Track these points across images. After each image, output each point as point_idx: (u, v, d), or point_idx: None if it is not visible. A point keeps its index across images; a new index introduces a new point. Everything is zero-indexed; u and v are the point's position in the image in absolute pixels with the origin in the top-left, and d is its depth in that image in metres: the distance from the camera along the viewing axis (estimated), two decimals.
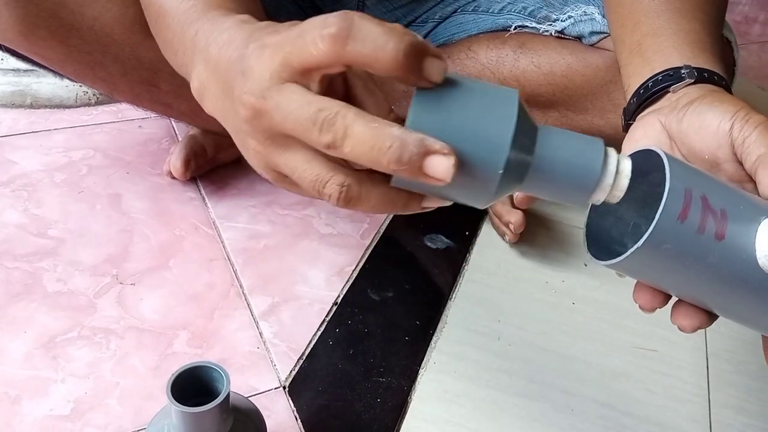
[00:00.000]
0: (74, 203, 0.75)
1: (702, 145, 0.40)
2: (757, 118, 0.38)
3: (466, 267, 0.74)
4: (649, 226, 0.33)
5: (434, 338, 0.65)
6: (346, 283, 0.70)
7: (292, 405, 0.57)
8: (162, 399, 0.50)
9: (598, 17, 0.67)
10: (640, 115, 0.45)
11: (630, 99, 0.47)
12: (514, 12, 0.76)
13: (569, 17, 0.69)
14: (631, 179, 0.33)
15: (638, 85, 0.46)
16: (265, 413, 0.49)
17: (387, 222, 0.79)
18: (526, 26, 0.73)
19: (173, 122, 0.91)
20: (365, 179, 0.32)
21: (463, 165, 0.30)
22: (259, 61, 0.32)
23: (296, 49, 0.30)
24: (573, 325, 0.68)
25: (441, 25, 0.82)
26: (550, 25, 0.70)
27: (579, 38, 0.70)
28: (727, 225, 0.34)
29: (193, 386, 0.43)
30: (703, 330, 0.68)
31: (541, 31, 0.71)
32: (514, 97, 0.31)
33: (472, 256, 0.76)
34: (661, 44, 0.46)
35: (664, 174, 0.33)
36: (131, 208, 0.76)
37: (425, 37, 0.82)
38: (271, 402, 0.57)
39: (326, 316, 0.66)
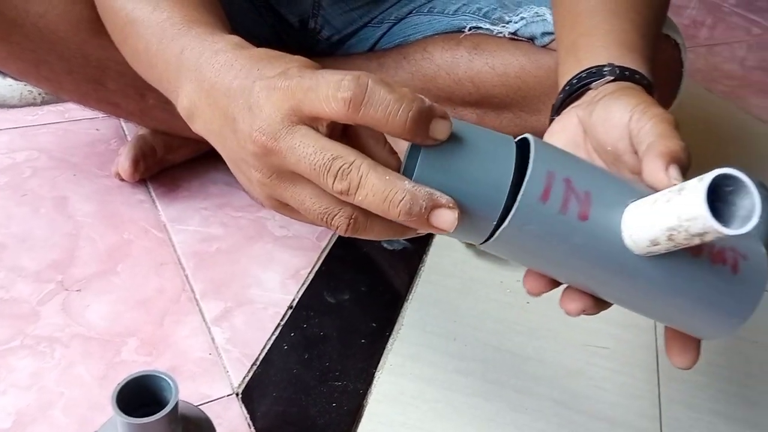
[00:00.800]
0: (17, 207, 0.73)
1: (606, 137, 0.41)
2: (654, 111, 0.39)
3: (422, 268, 0.74)
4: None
5: (390, 340, 0.65)
6: (302, 286, 0.69)
7: (246, 412, 0.55)
8: (110, 409, 0.49)
9: (550, 18, 0.68)
10: (564, 111, 0.47)
11: (558, 95, 0.48)
12: (468, 13, 0.76)
13: (521, 18, 0.70)
14: (517, 168, 0.35)
15: (565, 83, 0.48)
16: (217, 421, 0.48)
17: None
18: (481, 27, 0.73)
19: (122, 122, 0.89)
20: (370, 211, 0.33)
21: (462, 214, 0.33)
22: (268, 101, 0.33)
23: (308, 100, 0.32)
24: (527, 325, 0.68)
25: (397, 25, 0.81)
26: (504, 26, 0.71)
27: (532, 39, 0.70)
28: (591, 206, 0.35)
29: (141, 396, 0.42)
30: (653, 327, 0.70)
31: (494, 33, 0.72)
32: (510, 154, 0.34)
33: (428, 258, 0.76)
34: (592, 44, 0.48)
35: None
36: (77, 212, 0.73)
37: (381, 37, 0.82)
38: (223, 409, 0.55)
39: (281, 321, 0.65)
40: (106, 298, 0.64)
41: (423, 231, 0.34)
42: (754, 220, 0.30)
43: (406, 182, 0.32)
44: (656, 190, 0.35)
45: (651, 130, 0.38)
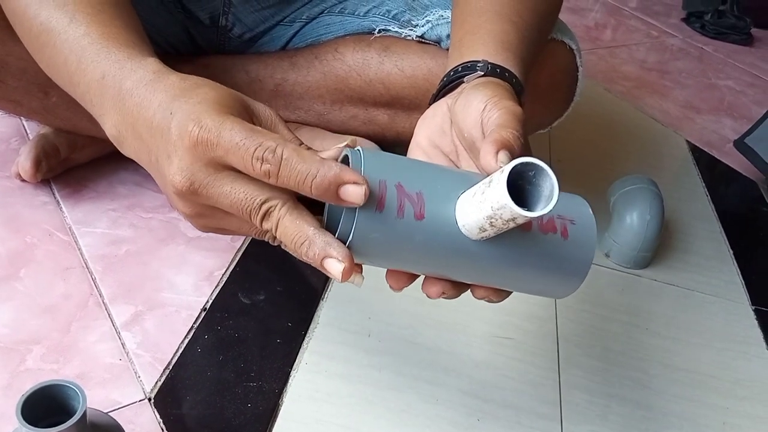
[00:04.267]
0: None
1: (464, 124, 0.44)
2: (504, 103, 0.43)
3: None
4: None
5: (306, 339, 0.66)
6: (216, 287, 0.69)
7: (158, 417, 0.55)
8: (15, 420, 0.47)
9: None
10: (439, 100, 0.50)
11: (438, 86, 0.51)
12: (378, 15, 0.78)
13: (427, 22, 0.72)
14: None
15: (444, 75, 0.51)
16: (129, 427, 0.48)
17: None
18: (389, 30, 0.75)
19: (24, 121, 0.85)
20: None
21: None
22: (187, 152, 0.37)
23: (230, 158, 0.37)
24: (438, 319, 0.71)
25: (308, 25, 0.82)
26: (411, 30, 0.73)
27: (438, 42, 0.73)
28: (424, 205, 0.38)
29: (48, 405, 0.42)
30: (554, 318, 0.74)
31: (403, 36, 0.73)
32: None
33: None
34: (474, 42, 0.51)
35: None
36: None
37: (293, 37, 0.82)
38: (135, 415, 0.55)
39: (194, 323, 0.64)
40: (8, 305, 0.61)
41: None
42: (554, 199, 0.34)
43: (311, 230, 0.37)
44: (488, 175, 0.39)
45: (496, 120, 0.42)
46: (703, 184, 1.09)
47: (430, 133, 0.48)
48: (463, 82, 0.48)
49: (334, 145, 0.41)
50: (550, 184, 0.34)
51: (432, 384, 0.64)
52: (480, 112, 0.43)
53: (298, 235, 0.38)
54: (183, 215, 0.41)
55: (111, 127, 0.43)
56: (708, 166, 1.15)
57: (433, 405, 0.62)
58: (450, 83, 0.50)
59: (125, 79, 0.42)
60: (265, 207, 0.38)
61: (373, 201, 0.37)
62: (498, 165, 0.38)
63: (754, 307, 0.84)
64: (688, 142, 1.21)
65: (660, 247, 0.86)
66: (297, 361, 0.63)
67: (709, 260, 0.90)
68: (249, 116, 0.41)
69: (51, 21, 0.47)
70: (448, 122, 0.47)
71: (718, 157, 1.18)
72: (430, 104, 0.51)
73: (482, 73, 0.48)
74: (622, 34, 1.71)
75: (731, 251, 0.93)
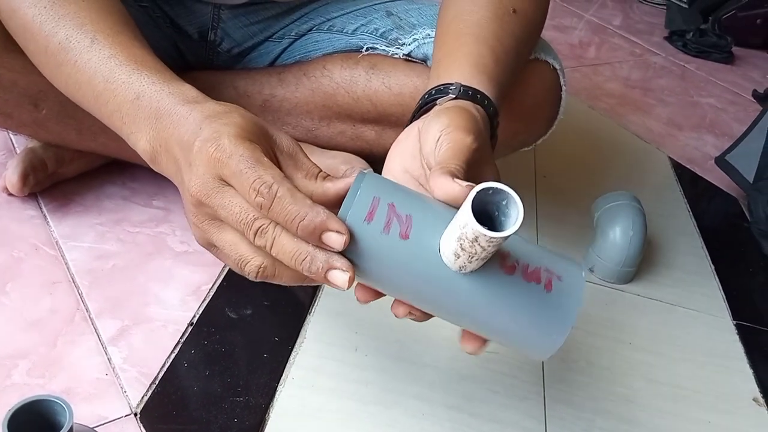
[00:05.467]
0: None
1: (425, 149, 0.46)
2: (455, 135, 0.44)
3: None
4: None
5: (293, 354, 0.66)
6: (203, 302, 0.69)
7: (144, 431, 0.55)
8: None
9: None
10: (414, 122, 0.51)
11: (416, 106, 0.53)
12: (366, 33, 0.79)
13: (414, 40, 0.73)
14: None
15: (420, 96, 0.52)
16: None
17: None
18: (377, 48, 0.76)
19: (11, 135, 0.85)
20: (279, 261, 0.41)
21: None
22: (202, 164, 0.41)
23: (234, 181, 0.40)
24: (425, 333, 0.71)
25: (297, 42, 0.83)
26: (398, 48, 0.74)
27: (425, 60, 0.74)
28: (411, 228, 0.39)
29: (34, 421, 0.41)
30: None
31: (390, 54, 0.75)
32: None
33: None
34: (451, 64, 0.52)
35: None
36: None
37: (282, 53, 0.83)
38: (121, 430, 0.55)
39: (181, 338, 0.64)
40: None
41: (324, 284, 0.40)
42: (516, 225, 0.35)
43: (311, 245, 0.39)
44: (456, 207, 0.39)
45: (442, 153, 0.43)
46: (685, 201, 1.10)
47: (402, 160, 0.48)
48: (436, 103, 0.49)
49: (322, 160, 0.42)
50: (516, 212, 0.35)
51: (418, 399, 0.64)
52: (435, 140, 0.44)
53: (298, 252, 0.39)
54: (190, 224, 0.44)
55: (145, 143, 0.45)
56: (690, 182, 1.17)
57: (419, 420, 0.62)
58: (425, 105, 0.51)
59: (162, 100, 0.45)
60: (258, 223, 0.39)
61: (364, 213, 0.38)
62: (462, 184, 0.40)
63: (735, 322, 0.85)
64: (670, 158, 1.23)
65: (643, 262, 0.87)
66: (284, 375, 0.63)
67: (691, 275, 0.92)
68: (269, 144, 0.43)
69: (71, 41, 0.49)
70: (418, 145, 0.48)
71: (700, 174, 1.20)
72: (406, 125, 0.51)
73: (453, 96, 0.49)
74: (605, 52, 1.73)
75: (713, 266, 0.95)
